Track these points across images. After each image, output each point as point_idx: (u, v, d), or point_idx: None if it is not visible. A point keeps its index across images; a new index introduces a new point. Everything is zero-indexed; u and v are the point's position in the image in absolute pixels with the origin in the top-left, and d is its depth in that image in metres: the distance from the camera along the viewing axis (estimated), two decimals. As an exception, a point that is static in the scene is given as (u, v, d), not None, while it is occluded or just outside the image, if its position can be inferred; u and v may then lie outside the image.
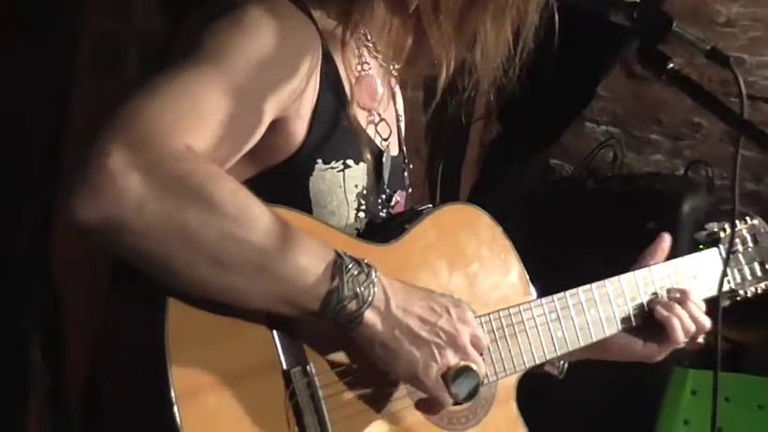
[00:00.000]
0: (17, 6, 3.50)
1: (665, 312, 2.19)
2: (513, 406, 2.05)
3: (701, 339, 2.24)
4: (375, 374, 1.76)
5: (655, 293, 2.22)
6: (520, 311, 2.01)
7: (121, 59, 4.05)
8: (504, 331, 1.97)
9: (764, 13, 5.64)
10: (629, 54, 4.98)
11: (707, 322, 2.23)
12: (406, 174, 2.11)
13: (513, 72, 2.05)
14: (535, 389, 2.08)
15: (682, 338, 2.20)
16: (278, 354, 1.68)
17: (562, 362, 2.17)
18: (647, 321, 2.22)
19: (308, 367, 1.70)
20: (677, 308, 2.20)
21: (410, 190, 2.14)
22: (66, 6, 3.53)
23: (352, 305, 1.65)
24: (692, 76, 1.69)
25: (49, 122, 3.46)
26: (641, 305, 2.22)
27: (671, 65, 1.77)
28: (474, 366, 1.76)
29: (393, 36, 1.99)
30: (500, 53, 2.01)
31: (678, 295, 2.22)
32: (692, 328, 2.20)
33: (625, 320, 2.19)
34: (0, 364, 2.89)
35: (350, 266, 1.64)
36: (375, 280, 1.67)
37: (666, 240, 2.28)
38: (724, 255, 2.36)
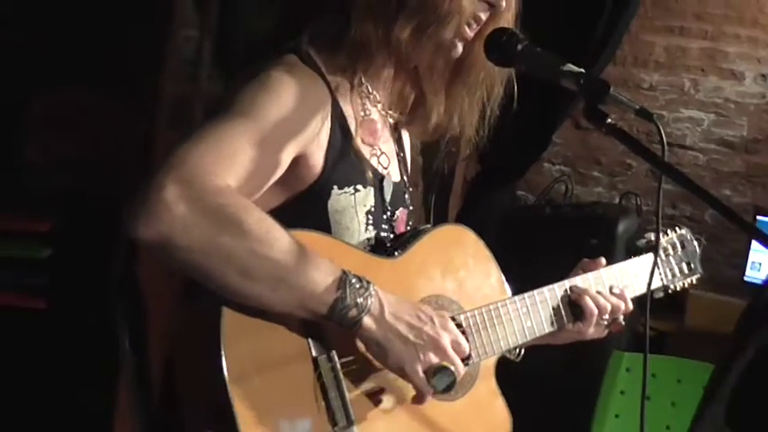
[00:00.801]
0: (112, 72, 3.49)
1: (577, 296, 2.11)
2: (493, 381, 2.03)
3: (621, 321, 2.19)
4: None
5: (566, 289, 2.14)
6: (498, 307, 1.99)
7: (191, 116, 4.05)
8: (486, 323, 1.94)
9: (678, 80, 5.63)
10: (577, 110, 4.98)
11: (621, 304, 2.14)
12: (406, 195, 2.09)
13: (483, 130, 2.04)
14: (507, 367, 2.07)
15: (595, 313, 2.10)
16: (308, 345, 1.68)
17: (518, 349, 2.13)
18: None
19: (332, 354, 1.69)
20: (589, 291, 2.12)
21: (411, 208, 2.11)
22: (150, 73, 3.52)
23: (353, 311, 1.64)
24: (624, 127, 1.66)
25: (135, 164, 3.44)
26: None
27: (609, 120, 1.75)
28: (451, 367, 1.74)
29: (391, 90, 1.98)
30: (473, 115, 2.01)
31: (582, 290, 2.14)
32: (608, 306, 2.13)
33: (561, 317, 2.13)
34: (99, 352, 2.88)
35: (353, 281, 1.64)
36: (372, 292, 1.66)
37: (602, 261, 2.23)
38: (662, 258, 2.36)
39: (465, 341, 1.81)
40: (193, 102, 4.10)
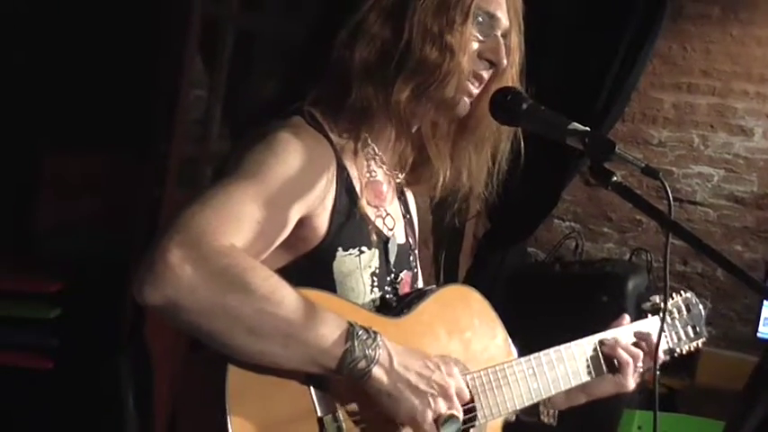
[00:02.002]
0: (121, 135, 3.51)
1: (609, 350, 2.16)
2: (500, 442, 2.01)
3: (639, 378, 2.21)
4: (388, 419, 1.72)
5: (595, 345, 2.18)
6: (504, 368, 1.97)
7: (199, 176, 4.07)
8: (492, 384, 1.93)
9: (686, 136, 5.65)
10: (585, 167, 4.98)
11: (640, 353, 2.18)
12: (411, 257, 2.07)
13: (492, 186, 2.03)
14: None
15: (631, 363, 2.16)
16: (313, 404, 1.66)
17: (554, 411, 2.12)
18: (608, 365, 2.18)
19: (337, 414, 1.68)
20: (619, 343, 2.17)
21: (416, 270, 2.09)
22: (159, 134, 3.54)
23: (363, 363, 1.62)
24: (633, 183, 1.66)
25: (144, 224, 3.46)
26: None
27: (615, 178, 1.75)
28: (457, 414, 1.73)
29: (396, 150, 1.97)
30: (481, 172, 2.00)
31: (612, 341, 2.19)
32: (640, 354, 2.17)
33: (587, 374, 2.14)
34: (103, 405, 2.87)
35: (360, 333, 1.63)
36: (380, 343, 1.65)
37: (626, 318, 2.25)
38: (668, 321, 2.35)
39: (466, 386, 1.80)
40: (202, 161, 4.13)
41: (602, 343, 2.17)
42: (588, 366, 2.14)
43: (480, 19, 1.87)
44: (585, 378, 2.14)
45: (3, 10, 3.54)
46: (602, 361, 2.16)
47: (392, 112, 1.84)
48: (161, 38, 3.59)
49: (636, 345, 2.20)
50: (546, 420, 2.11)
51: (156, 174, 3.52)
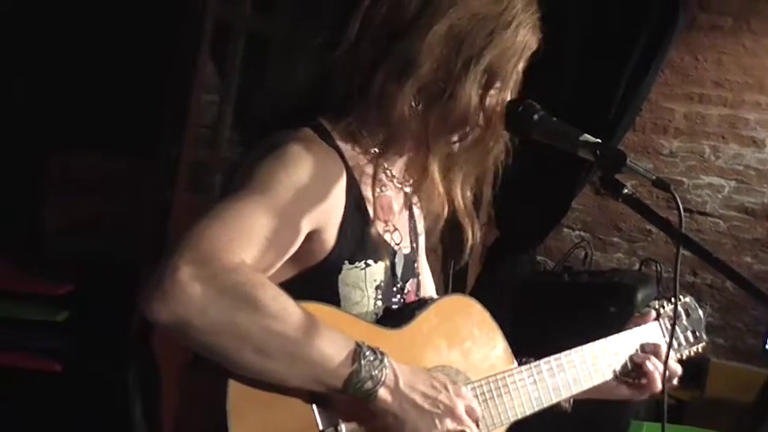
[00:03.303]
0: (131, 137, 3.51)
1: (644, 363, 2.17)
2: (502, 452, 2.00)
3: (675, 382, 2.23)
4: None
5: (636, 349, 2.20)
6: (505, 377, 1.96)
7: (210, 181, 4.07)
8: (492, 393, 1.92)
9: (697, 147, 5.64)
10: (595, 177, 4.98)
11: (678, 369, 2.21)
12: (416, 264, 2.06)
13: (500, 194, 2.03)
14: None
15: (659, 381, 2.16)
16: (315, 419, 1.65)
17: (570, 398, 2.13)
18: (630, 371, 2.19)
19: (339, 428, 1.67)
20: (653, 359, 2.18)
21: (420, 276, 2.09)
22: (169, 137, 3.54)
23: (369, 384, 1.62)
24: (642, 193, 1.67)
25: (154, 229, 3.46)
26: (613, 365, 2.18)
27: (626, 190, 1.75)
28: (467, 431, 1.73)
29: (406, 162, 1.96)
30: (488, 182, 2.00)
31: (652, 349, 2.21)
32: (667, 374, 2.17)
33: (589, 381, 2.13)
34: (111, 418, 2.87)
35: (367, 353, 1.62)
36: (387, 364, 1.64)
37: (652, 314, 2.29)
38: (666, 326, 2.30)
39: (477, 406, 1.80)
40: (213, 166, 4.13)
41: (642, 348, 2.20)
42: (591, 376, 2.13)
43: (515, 77, 1.89)
44: (587, 385, 2.12)
45: (16, 10, 3.55)
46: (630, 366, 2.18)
47: (408, 132, 1.85)
48: (174, 41, 3.59)
49: (644, 354, 2.20)
50: (563, 405, 2.12)
51: (165, 178, 3.52)
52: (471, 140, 1.89)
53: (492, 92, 1.85)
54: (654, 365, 2.18)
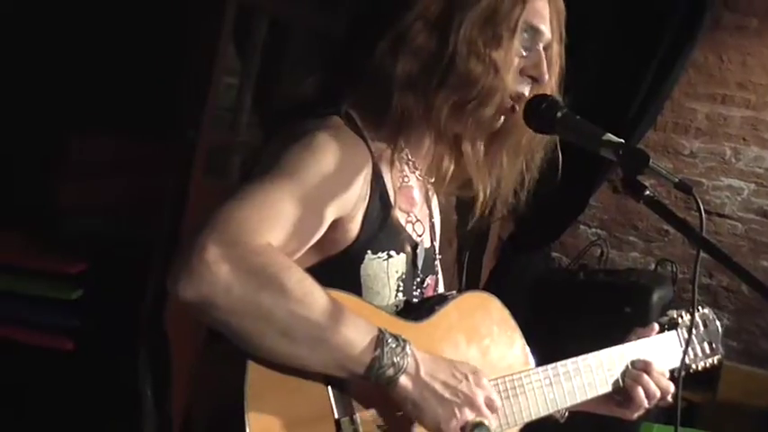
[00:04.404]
0: (149, 117, 3.52)
1: (631, 383, 2.14)
2: (515, 452, 1.99)
3: (669, 398, 2.18)
4: (407, 425, 1.72)
5: (627, 366, 2.16)
6: (521, 377, 1.96)
7: (228, 165, 4.07)
8: (508, 393, 1.91)
9: (718, 148, 5.62)
10: (615, 174, 4.97)
11: (670, 387, 2.16)
12: (436, 262, 2.06)
13: (522, 193, 2.02)
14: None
15: (645, 403, 2.14)
16: (331, 406, 1.65)
17: (564, 410, 2.12)
18: (621, 388, 2.16)
19: (354, 416, 1.67)
20: (643, 377, 2.14)
21: (439, 275, 2.08)
22: (188, 119, 3.54)
23: (390, 371, 1.63)
24: (662, 193, 1.66)
25: (170, 210, 3.46)
26: (616, 375, 2.16)
27: (647, 192, 1.74)
28: (486, 422, 1.73)
29: (430, 157, 1.97)
30: (512, 178, 1.99)
31: (643, 366, 2.16)
32: (657, 393, 2.15)
33: (604, 386, 2.13)
34: (122, 398, 2.88)
35: (389, 341, 1.63)
36: (409, 352, 1.65)
37: (655, 328, 2.25)
38: (684, 336, 2.29)
39: (497, 397, 1.80)
40: (231, 149, 4.13)
41: (633, 365, 2.15)
42: (606, 381, 2.12)
43: (525, 35, 1.86)
44: (603, 390, 2.12)
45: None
46: (622, 383, 2.14)
47: (431, 123, 1.84)
48: (195, 23, 3.59)
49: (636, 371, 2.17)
50: (555, 414, 2.10)
51: (183, 159, 3.53)
52: (485, 102, 1.84)
53: (498, 47, 1.81)
54: (640, 383, 2.13)
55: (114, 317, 3.41)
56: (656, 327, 2.26)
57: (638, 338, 2.21)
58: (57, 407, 3.44)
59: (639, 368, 2.16)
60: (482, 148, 1.95)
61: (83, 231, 3.56)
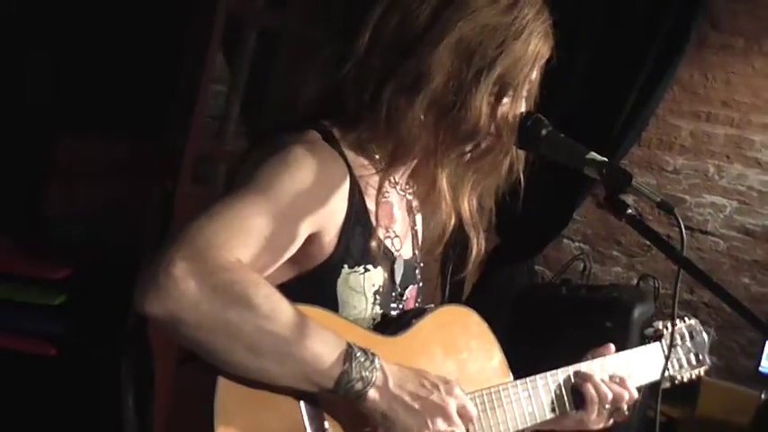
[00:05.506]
0: (136, 124, 3.52)
1: (581, 381, 2.09)
2: (494, 465, 1.99)
3: (625, 411, 2.16)
4: None
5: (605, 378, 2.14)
6: (500, 390, 1.95)
7: (213, 173, 4.07)
8: (485, 405, 1.91)
9: (702, 165, 5.64)
10: (598, 189, 4.99)
11: (624, 393, 2.11)
12: (417, 271, 2.06)
13: (504, 204, 2.03)
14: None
15: (596, 402, 2.07)
16: (303, 421, 1.65)
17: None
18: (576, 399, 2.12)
19: (326, 430, 1.67)
20: (593, 378, 2.10)
21: (420, 284, 2.08)
22: (175, 127, 3.54)
23: (359, 385, 1.62)
24: (645, 208, 1.67)
25: (155, 217, 3.46)
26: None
27: (629, 211, 1.75)
28: (458, 431, 1.73)
29: (410, 168, 1.97)
30: (492, 190, 1.99)
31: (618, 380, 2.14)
32: (609, 395, 2.09)
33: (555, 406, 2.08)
34: (103, 405, 2.88)
35: (357, 354, 1.62)
36: (377, 365, 1.65)
37: (611, 347, 2.21)
38: (665, 348, 2.30)
39: (472, 405, 1.79)
40: (217, 158, 4.13)
41: (574, 375, 2.11)
42: (554, 401, 2.07)
43: (528, 87, 1.89)
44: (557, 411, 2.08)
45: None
46: (568, 395, 2.09)
47: (432, 160, 1.86)
48: (185, 31, 3.59)
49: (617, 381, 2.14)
50: None
51: (170, 167, 3.52)
52: (481, 152, 1.89)
53: (504, 102, 1.84)
54: (596, 391, 2.09)
55: (97, 323, 3.40)
56: (612, 347, 2.20)
57: (593, 358, 2.16)
58: (37, 413, 3.43)
59: (585, 379, 2.11)
60: (463, 166, 1.94)
61: (68, 237, 3.56)
